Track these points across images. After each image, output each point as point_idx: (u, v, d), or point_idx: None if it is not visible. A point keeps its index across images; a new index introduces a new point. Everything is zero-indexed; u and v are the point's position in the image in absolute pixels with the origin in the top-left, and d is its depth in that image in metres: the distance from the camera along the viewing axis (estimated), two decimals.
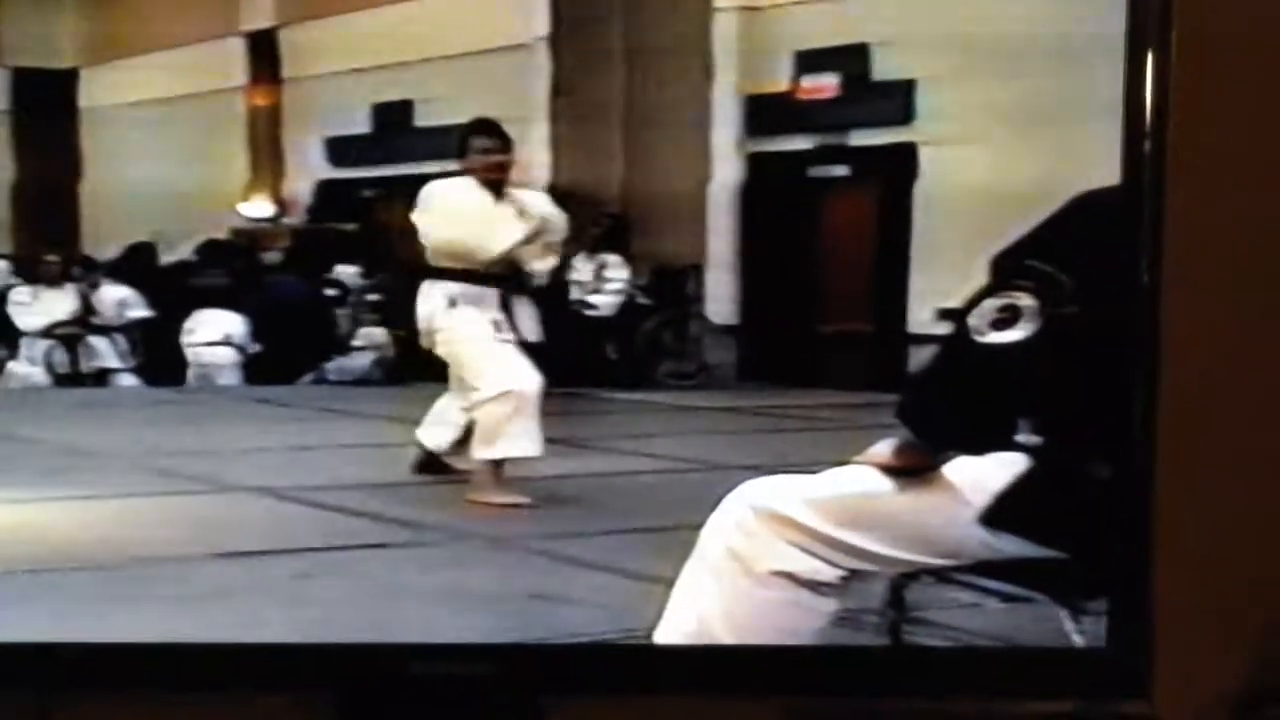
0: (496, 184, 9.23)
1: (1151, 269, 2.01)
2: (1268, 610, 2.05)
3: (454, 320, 9.07)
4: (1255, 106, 2.02)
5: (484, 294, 9.14)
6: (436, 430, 9.46)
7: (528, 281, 9.42)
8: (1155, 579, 2.05)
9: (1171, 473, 2.04)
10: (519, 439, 8.78)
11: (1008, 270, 3.25)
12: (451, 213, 9.18)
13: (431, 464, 9.49)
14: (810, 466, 3.60)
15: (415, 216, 9.31)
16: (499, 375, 8.87)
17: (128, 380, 17.91)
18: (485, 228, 9.13)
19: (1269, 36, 1.99)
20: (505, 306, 9.20)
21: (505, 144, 9.50)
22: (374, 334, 18.38)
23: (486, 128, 9.76)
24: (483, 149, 9.29)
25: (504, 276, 9.20)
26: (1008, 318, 3.18)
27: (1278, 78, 1.97)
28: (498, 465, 8.83)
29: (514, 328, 9.16)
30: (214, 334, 17.92)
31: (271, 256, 21.84)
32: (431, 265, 9.29)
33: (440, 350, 9.19)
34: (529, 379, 8.89)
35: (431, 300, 9.19)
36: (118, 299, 18.42)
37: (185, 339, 17.82)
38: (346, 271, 19.66)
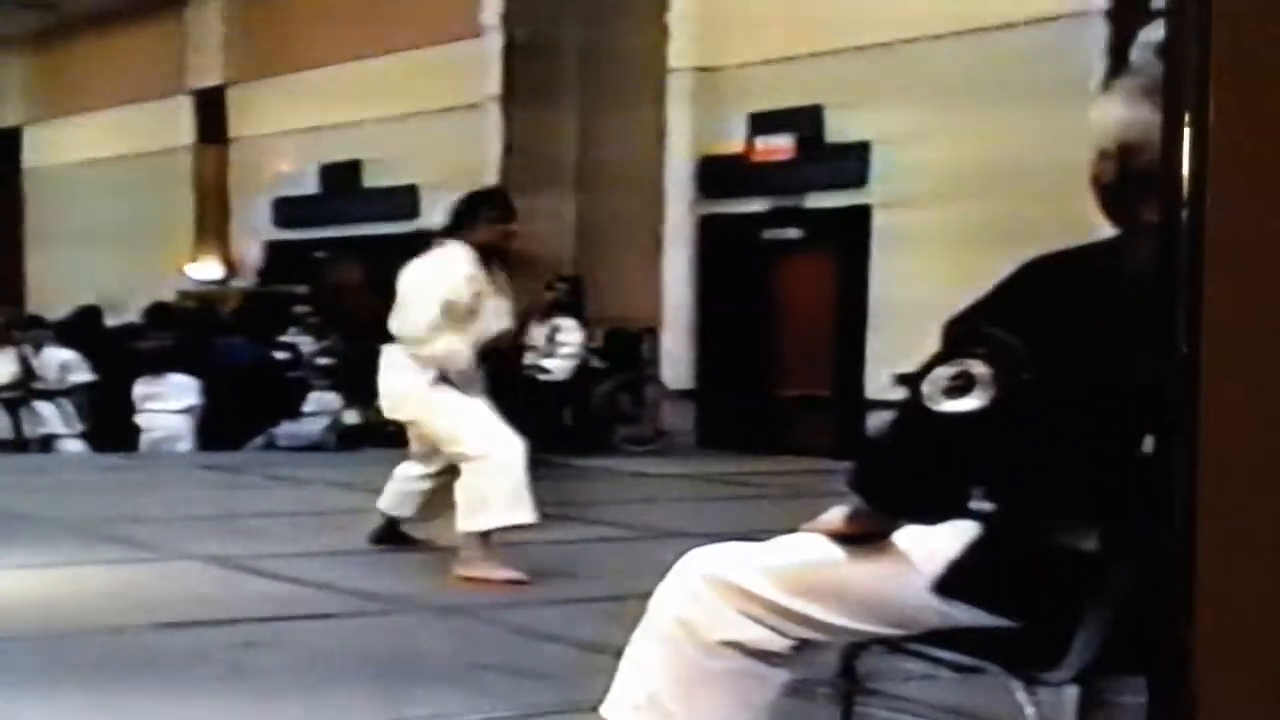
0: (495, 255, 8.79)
1: (1191, 340, 1.93)
2: None
3: (434, 394, 8.61)
4: None
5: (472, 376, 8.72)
6: (396, 498, 9.28)
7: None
8: (1196, 666, 1.96)
9: (1213, 554, 1.95)
10: (510, 506, 8.31)
11: (960, 337, 3.19)
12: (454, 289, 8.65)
13: (390, 534, 9.36)
14: (764, 534, 3.54)
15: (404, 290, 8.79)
16: (482, 444, 8.41)
17: (73, 446, 17.80)
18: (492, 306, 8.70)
19: None
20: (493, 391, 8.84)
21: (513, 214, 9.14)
22: (326, 399, 18.33)
23: (497, 199, 9.40)
24: (492, 219, 8.80)
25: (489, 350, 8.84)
26: (961, 385, 3.12)
27: None
28: (486, 537, 8.42)
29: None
30: (172, 403, 17.83)
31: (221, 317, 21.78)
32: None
33: (420, 424, 8.79)
34: (512, 445, 8.43)
35: (402, 369, 8.70)
36: (60, 362, 18.27)
37: (140, 405, 17.73)
38: (299, 335, 19.59)
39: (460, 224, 8.77)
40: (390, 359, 8.81)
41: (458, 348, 8.55)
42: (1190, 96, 1.96)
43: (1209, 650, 1.93)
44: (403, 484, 9.21)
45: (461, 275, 8.57)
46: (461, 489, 8.41)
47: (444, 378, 8.57)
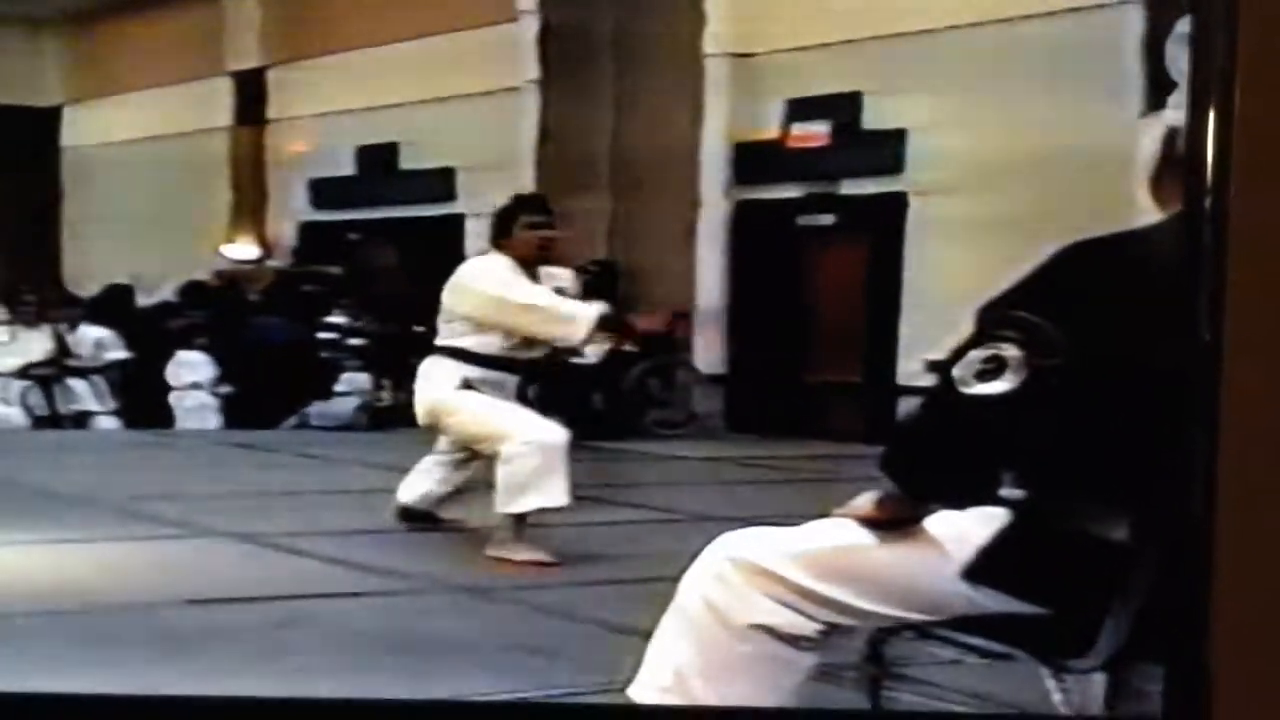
0: (536, 263, 8.79)
1: (1213, 326, 1.94)
2: None
3: (467, 399, 8.65)
4: None
5: (504, 380, 8.75)
6: (417, 481, 9.26)
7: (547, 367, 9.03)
8: (1214, 645, 1.96)
9: (1231, 534, 1.96)
10: (548, 490, 8.35)
11: (993, 321, 3.21)
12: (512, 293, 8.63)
13: (414, 512, 9.34)
14: (795, 518, 3.56)
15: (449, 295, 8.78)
16: (525, 427, 8.43)
17: (107, 422, 17.88)
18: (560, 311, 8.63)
19: None
20: (523, 395, 8.82)
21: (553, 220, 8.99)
22: (358, 379, 18.36)
23: (536, 204, 9.29)
24: (531, 225, 8.75)
25: (525, 362, 8.83)
26: (993, 369, 3.13)
27: None
28: (520, 520, 8.45)
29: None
30: (185, 378, 17.94)
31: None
32: (444, 345, 8.81)
33: (453, 427, 8.78)
34: (555, 430, 8.50)
35: (439, 380, 8.76)
36: (94, 339, 18.39)
37: (170, 381, 17.89)
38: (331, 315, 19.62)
39: (499, 233, 8.80)
40: (426, 369, 8.87)
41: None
42: (1216, 86, 1.97)
43: (1227, 632, 1.93)
44: (425, 469, 9.26)
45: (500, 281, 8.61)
46: (501, 471, 8.40)
47: (469, 384, 8.64)
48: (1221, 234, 1.98)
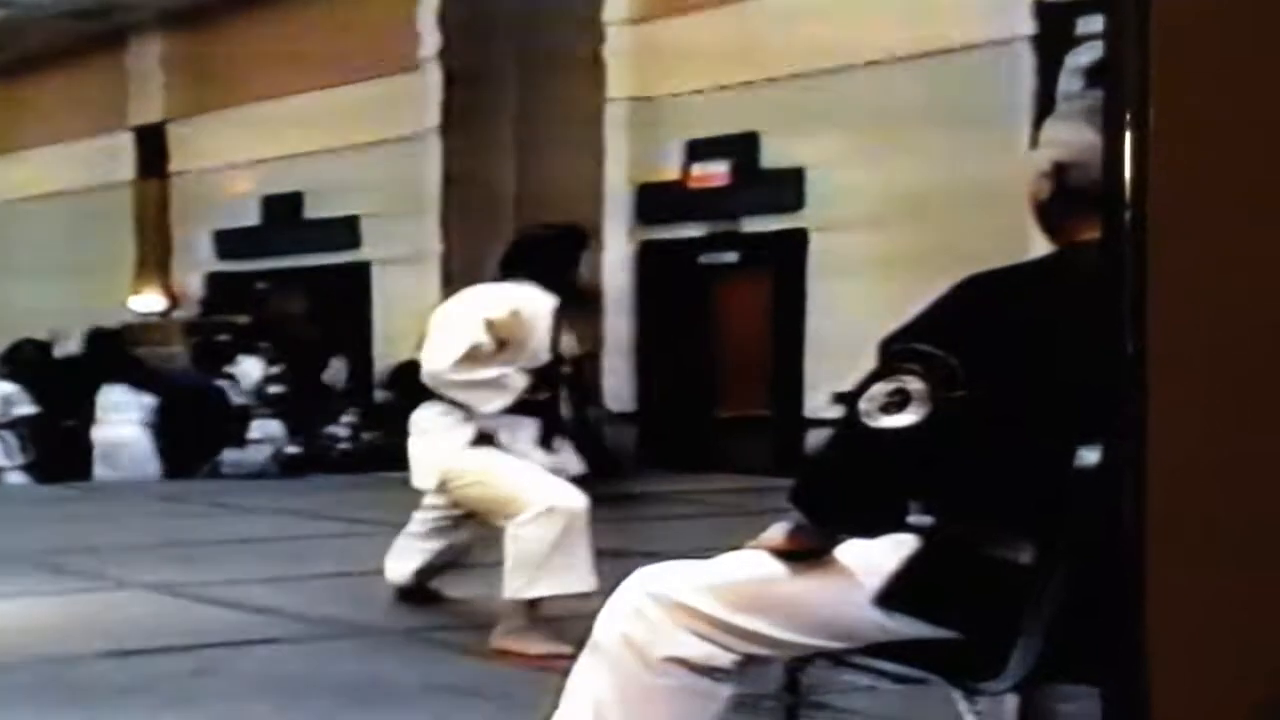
0: None
1: (1136, 342, 1.98)
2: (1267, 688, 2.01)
3: (480, 459, 7.52)
4: (1235, 178, 2.01)
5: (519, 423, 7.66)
6: (405, 557, 8.29)
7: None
8: (1150, 669, 2.01)
9: (1162, 554, 2.01)
10: (566, 573, 7.10)
11: (896, 354, 3.26)
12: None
13: (412, 591, 8.40)
14: (708, 552, 3.60)
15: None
16: (542, 492, 7.26)
17: (16, 478, 17.74)
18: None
19: (1251, 107, 1.99)
20: (546, 443, 7.73)
21: None
22: (270, 427, 18.30)
23: None
24: None
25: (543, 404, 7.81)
26: (897, 402, 3.19)
27: (1261, 151, 1.97)
28: (533, 606, 7.24)
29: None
30: (123, 417, 17.80)
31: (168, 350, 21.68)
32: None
33: (462, 493, 7.64)
34: (574, 496, 7.31)
35: (445, 439, 7.61)
36: (1, 396, 18.23)
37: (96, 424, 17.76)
38: (247, 364, 19.53)
39: None
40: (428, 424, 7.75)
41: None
42: (1132, 103, 2.02)
43: (1161, 651, 1.98)
44: (406, 546, 8.34)
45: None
46: (511, 550, 7.23)
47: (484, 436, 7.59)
48: (1141, 248, 2.04)
